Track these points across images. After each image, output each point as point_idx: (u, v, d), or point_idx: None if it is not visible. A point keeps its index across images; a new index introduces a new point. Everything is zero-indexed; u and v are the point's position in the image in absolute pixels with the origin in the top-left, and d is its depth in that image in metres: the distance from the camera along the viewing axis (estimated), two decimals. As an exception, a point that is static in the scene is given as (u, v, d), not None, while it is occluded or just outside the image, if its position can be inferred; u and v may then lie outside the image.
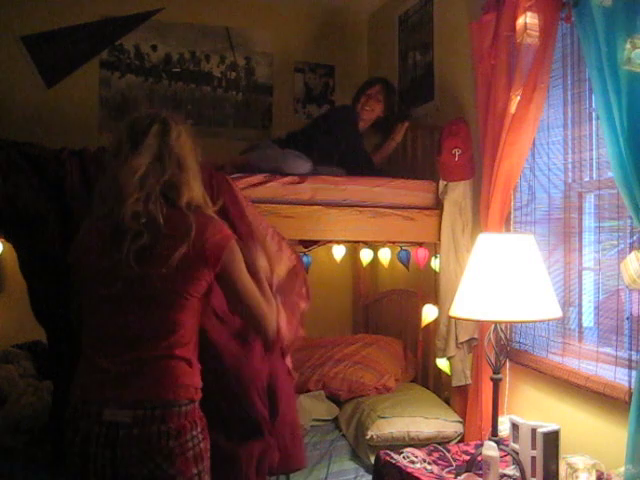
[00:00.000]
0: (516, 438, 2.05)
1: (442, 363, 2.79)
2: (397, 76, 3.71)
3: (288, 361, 2.15)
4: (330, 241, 3.55)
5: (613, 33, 1.80)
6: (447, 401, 2.88)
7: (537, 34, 2.27)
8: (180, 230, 1.56)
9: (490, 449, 1.95)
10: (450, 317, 2.30)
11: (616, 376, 2.04)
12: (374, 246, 3.63)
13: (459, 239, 2.72)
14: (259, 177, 2.60)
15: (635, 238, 1.96)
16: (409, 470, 2.02)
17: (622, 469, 1.80)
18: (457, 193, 2.73)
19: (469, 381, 2.67)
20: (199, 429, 1.60)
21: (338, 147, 3.10)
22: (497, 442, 2.01)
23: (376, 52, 4.05)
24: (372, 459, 2.40)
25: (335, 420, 2.93)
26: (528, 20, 2.30)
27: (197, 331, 1.67)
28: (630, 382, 1.93)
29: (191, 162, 1.66)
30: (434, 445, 2.33)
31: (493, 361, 2.13)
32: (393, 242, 3.33)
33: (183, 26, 3.75)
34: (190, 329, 1.63)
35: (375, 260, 3.65)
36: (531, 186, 2.53)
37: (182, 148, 1.65)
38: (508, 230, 2.57)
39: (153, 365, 1.57)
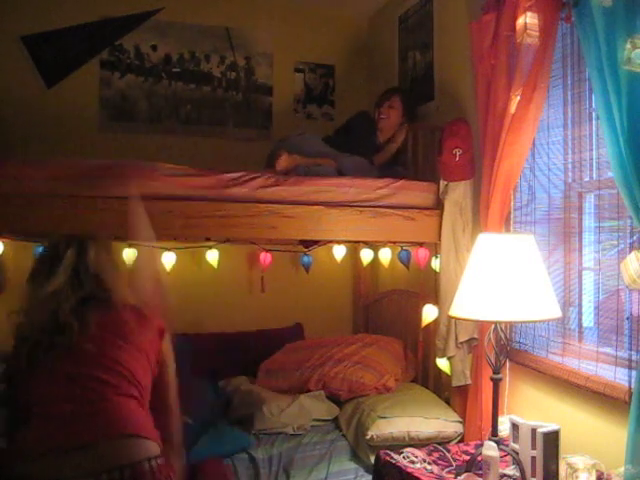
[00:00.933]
0: (516, 438, 2.05)
1: (442, 363, 2.79)
2: (397, 76, 3.71)
3: None
4: (331, 241, 3.56)
5: (613, 33, 1.80)
6: (447, 401, 2.88)
7: (537, 34, 2.27)
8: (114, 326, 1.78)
9: (490, 449, 1.95)
10: (450, 317, 2.30)
11: (616, 376, 2.04)
12: (374, 246, 3.63)
13: (459, 239, 2.73)
14: (261, 179, 2.60)
15: (635, 238, 1.96)
16: (409, 470, 2.02)
17: (622, 469, 1.80)
18: (457, 193, 2.73)
19: (469, 381, 2.67)
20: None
21: (354, 152, 3.15)
22: (497, 442, 2.01)
23: (376, 52, 4.05)
24: (372, 459, 2.40)
25: (335, 420, 2.93)
26: (528, 20, 2.30)
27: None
28: (630, 382, 1.93)
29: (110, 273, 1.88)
30: (434, 445, 2.33)
31: (493, 361, 2.13)
32: (393, 242, 3.33)
33: (183, 26, 3.75)
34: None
35: (375, 260, 3.65)
36: (531, 186, 2.53)
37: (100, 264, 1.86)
38: (508, 230, 2.57)
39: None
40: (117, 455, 1.50)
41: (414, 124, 3.31)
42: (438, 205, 2.84)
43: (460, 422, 2.70)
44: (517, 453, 2.03)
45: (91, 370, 1.68)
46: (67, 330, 1.71)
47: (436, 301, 2.85)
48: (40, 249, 2.56)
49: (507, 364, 2.48)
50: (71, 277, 1.80)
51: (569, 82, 2.33)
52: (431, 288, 2.97)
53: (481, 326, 2.54)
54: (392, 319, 3.58)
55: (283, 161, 2.87)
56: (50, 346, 1.69)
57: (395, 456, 2.13)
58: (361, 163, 3.11)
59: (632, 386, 1.88)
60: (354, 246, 3.79)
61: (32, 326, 1.73)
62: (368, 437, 2.59)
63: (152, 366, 1.80)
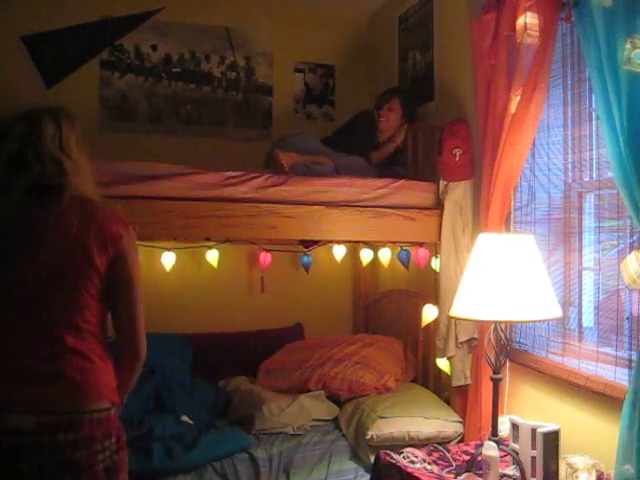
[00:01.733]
0: (516, 438, 2.05)
1: (442, 363, 2.79)
2: (397, 76, 3.71)
3: None
4: (331, 241, 3.56)
5: (613, 33, 1.80)
6: (447, 401, 2.88)
7: (537, 34, 2.27)
8: (65, 222, 1.54)
9: (490, 449, 1.95)
10: (450, 317, 2.30)
11: (616, 376, 2.04)
12: (374, 246, 3.63)
13: (459, 239, 2.73)
14: (262, 179, 2.60)
15: (635, 238, 1.96)
16: (409, 470, 2.02)
17: (622, 468, 1.80)
18: (457, 193, 2.73)
19: (469, 381, 2.67)
20: (113, 439, 1.50)
21: (353, 149, 3.16)
22: (497, 442, 2.01)
23: (376, 52, 4.05)
24: (372, 459, 2.40)
25: (335, 420, 2.93)
26: (528, 20, 2.30)
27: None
28: (630, 382, 1.93)
29: (73, 159, 1.60)
30: (434, 445, 2.33)
31: (493, 361, 2.13)
32: (393, 242, 3.33)
33: (183, 26, 3.75)
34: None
35: (375, 260, 3.65)
36: (531, 186, 2.53)
37: (58, 146, 1.58)
38: (508, 230, 2.57)
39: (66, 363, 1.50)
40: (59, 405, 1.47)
41: (414, 124, 3.31)
42: (438, 205, 2.84)
43: (460, 422, 2.70)
44: (517, 453, 2.03)
45: (35, 310, 1.51)
46: (10, 234, 1.52)
47: (436, 301, 2.85)
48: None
49: (507, 364, 2.48)
50: (14, 160, 1.52)
51: (569, 82, 2.33)
52: (431, 288, 2.97)
53: (481, 326, 2.54)
54: (392, 319, 3.58)
55: (284, 159, 2.86)
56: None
57: (395, 456, 2.13)
58: (358, 163, 3.11)
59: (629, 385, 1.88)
60: (354, 246, 3.80)
61: None
62: (368, 437, 2.59)
63: (102, 273, 1.56)
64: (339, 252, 3.72)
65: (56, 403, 1.46)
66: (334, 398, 3.03)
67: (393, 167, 3.23)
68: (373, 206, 2.75)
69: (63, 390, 1.48)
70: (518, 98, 2.33)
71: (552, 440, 1.96)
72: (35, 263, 1.52)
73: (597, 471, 1.89)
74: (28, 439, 1.41)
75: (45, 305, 1.52)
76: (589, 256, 2.27)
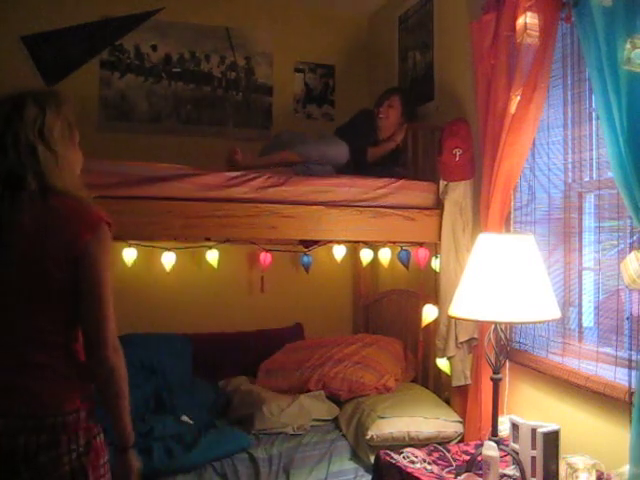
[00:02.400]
0: (516, 438, 2.05)
1: (442, 363, 2.79)
2: (397, 76, 3.71)
3: None
4: (331, 241, 3.57)
5: (613, 33, 1.80)
6: (447, 401, 2.88)
7: (537, 34, 2.27)
8: (34, 220, 1.43)
9: (490, 449, 1.95)
10: (450, 317, 2.30)
11: (616, 376, 2.04)
12: (374, 246, 3.63)
13: (459, 239, 2.73)
14: (262, 179, 2.60)
15: (635, 238, 1.96)
16: (409, 470, 2.02)
17: (622, 469, 1.80)
18: (457, 193, 2.73)
19: (469, 381, 2.67)
20: (81, 441, 1.45)
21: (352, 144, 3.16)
22: (497, 442, 2.01)
23: (376, 52, 4.05)
24: (372, 459, 2.40)
25: (335, 420, 2.93)
26: (528, 20, 2.30)
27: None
28: (630, 382, 1.93)
29: (52, 148, 1.48)
30: (434, 445, 2.33)
31: (493, 361, 2.13)
32: (393, 242, 3.33)
33: (183, 26, 3.75)
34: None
35: (375, 260, 3.65)
36: (531, 186, 2.53)
37: (37, 133, 1.47)
38: (508, 230, 2.57)
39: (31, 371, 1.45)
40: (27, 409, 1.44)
41: (414, 124, 3.31)
42: (438, 205, 2.84)
43: (460, 422, 2.70)
44: (517, 453, 2.03)
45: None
46: None
47: (436, 301, 2.85)
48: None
49: (507, 364, 2.48)
50: None
51: (569, 82, 2.33)
52: (431, 288, 2.97)
53: (481, 326, 2.54)
54: (392, 319, 3.58)
55: (234, 155, 2.82)
56: None
57: (395, 456, 2.13)
58: (337, 153, 3.04)
59: (632, 386, 1.88)
60: (354, 246, 3.80)
61: None
62: (368, 437, 2.59)
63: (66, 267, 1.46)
64: (339, 252, 3.72)
65: (19, 409, 1.43)
66: (334, 398, 3.03)
67: (394, 168, 3.22)
68: (373, 206, 2.75)
69: (24, 400, 1.44)
70: (518, 98, 2.33)
71: (552, 440, 1.96)
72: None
73: (597, 471, 1.89)
74: None
75: (6, 314, 1.47)
76: (589, 256, 2.27)
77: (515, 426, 2.07)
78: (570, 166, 2.34)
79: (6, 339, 1.47)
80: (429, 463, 2.13)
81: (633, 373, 1.91)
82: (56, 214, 1.46)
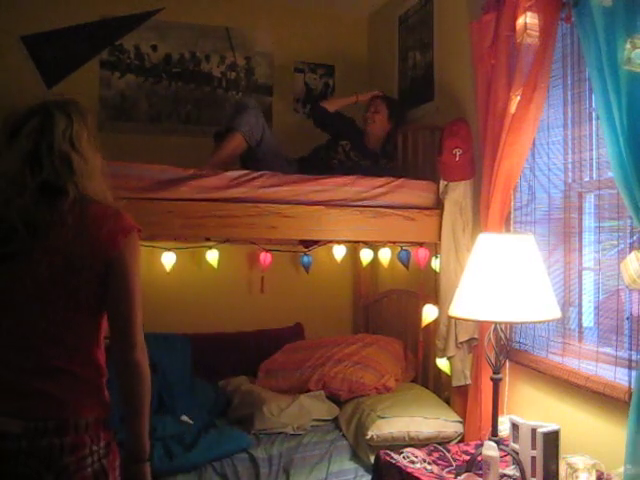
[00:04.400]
0: (516, 438, 2.05)
1: (442, 363, 2.79)
2: (397, 76, 3.71)
3: None
4: (331, 241, 3.56)
5: (613, 33, 1.80)
6: (447, 401, 2.88)
7: (537, 34, 2.27)
8: (73, 225, 1.46)
9: (490, 449, 1.95)
10: (450, 317, 2.30)
11: (616, 376, 2.04)
12: (374, 246, 3.63)
13: (459, 239, 2.73)
14: (262, 179, 2.60)
15: (635, 238, 1.96)
16: (409, 470, 2.02)
17: (622, 469, 1.80)
18: (458, 193, 2.73)
19: (469, 381, 2.67)
20: (102, 444, 1.46)
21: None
22: (497, 442, 2.01)
23: (376, 52, 4.05)
24: (372, 459, 2.40)
25: (335, 420, 2.93)
26: (528, 20, 2.30)
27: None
28: (630, 382, 1.93)
29: (83, 156, 1.52)
30: (434, 445, 2.33)
31: (493, 361, 2.13)
32: (393, 242, 3.33)
33: (183, 26, 3.75)
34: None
35: (375, 260, 3.65)
36: (531, 186, 2.53)
37: (69, 141, 1.50)
38: (508, 230, 2.57)
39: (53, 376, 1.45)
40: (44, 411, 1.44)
41: (414, 125, 3.32)
42: (438, 205, 2.84)
43: (460, 422, 2.70)
44: (517, 453, 2.03)
45: (32, 324, 1.45)
46: (16, 238, 1.43)
47: (436, 301, 2.85)
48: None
49: (507, 364, 2.48)
50: (29, 157, 1.46)
51: (569, 82, 2.33)
52: (431, 288, 2.97)
53: (481, 326, 2.54)
54: (392, 319, 3.58)
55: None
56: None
57: (395, 456, 2.13)
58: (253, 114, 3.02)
59: (632, 386, 1.88)
60: (354, 246, 3.80)
61: None
62: (368, 437, 2.59)
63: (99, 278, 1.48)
64: (339, 252, 3.72)
65: (37, 411, 1.43)
66: (334, 398, 3.03)
67: (382, 161, 3.27)
68: (373, 206, 2.75)
69: (44, 402, 1.44)
70: (518, 98, 2.33)
71: (552, 440, 1.96)
72: (28, 273, 1.46)
73: (597, 471, 1.89)
74: (15, 443, 1.39)
75: (32, 318, 1.47)
76: (589, 256, 2.27)
77: (515, 426, 2.07)
78: (570, 166, 2.34)
79: (26, 341, 1.47)
80: (429, 463, 2.13)
81: (633, 373, 1.91)
82: (91, 220, 1.49)
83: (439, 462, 2.18)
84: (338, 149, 3.31)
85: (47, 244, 1.46)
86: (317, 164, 3.17)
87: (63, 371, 1.46)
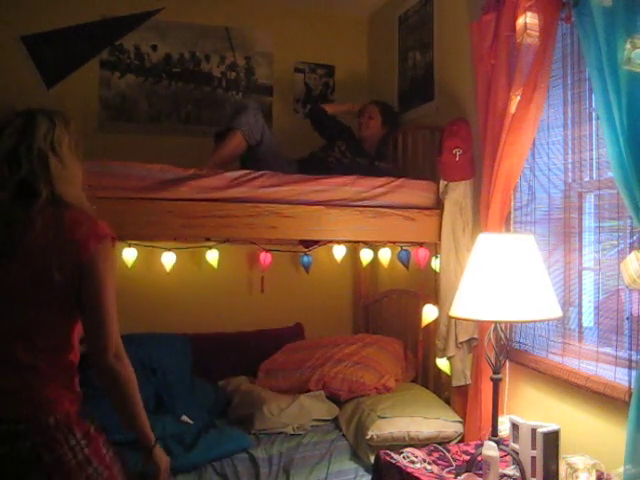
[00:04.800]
0: (516, 438, 2.05)
1: (442, 363, 2.79)
2: (397, 76, 3.71)
3: None
4: (330, 241, 3.56)
5: (613, 33, 1.80)
6: (447, 401, 2.88)
7: (537, 34, 2.27)
8: (44, 227, 1.49)
9: (490, 449, 1.95)
10: (450, 317, 2.30)
11: (616, 376, 2.04)
12: (374, 246, 3.63)
13: (459, 239, 2.73)
14: (262, 179, 2.60)
15: (635, 238, 1.96)
16: (409, 470, 2.02)
17: (622, 469, 1.80)
18: (458, 193, 2.73)
19: (469, 381, 2.67)
20: (79, 436, 1.49)
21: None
22: (497, 442, 2.01)
23: (376, 52, 4.05)
24: (372, 459, 2.40)
25: (335, 420, 2.93)
26: (528, 20, 2.30)
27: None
28: (630, 382, 1.93)
29: (62, 161, 1.56)
30: (434, 445, 2.32)
31: (493, 361, 2.13)
32: (393, 242, 3.33)
33: (183, 26, 3.75)
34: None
35: (375, 260, 3.65)
36: (531, 186, 2.53)
37: (49, 144, 1.55)
38: (508, 230, 2.57)
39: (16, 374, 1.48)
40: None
41: (408, 126, 3.33)
42: (438, 205, 2.84)
43: (460, 422, 2.70)
44: (517, 453, 2.03)
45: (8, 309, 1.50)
46: None
47: (436, 301, 2.85)
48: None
49: (507, 364, 2.48)
50: (8, 157, 1.50)
51: (569, 82, 2.33)
52: (431, 288, 2.97)
53: (481, 326, 2.54)
54: (392, 319, 3.58)
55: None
56: None
57: (395, 456, 2.13)
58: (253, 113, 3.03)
59: (632, 386, 1.88)
60: (354, 246, 3.80)
61: None
62: (368, 437, 2.59)
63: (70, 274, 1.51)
64: (339, 252, 3.72)
65: (8, 412, 1.46)
66: (334, 398, 3.03)
67: (376, 162, 3.28)
68: (373, 206, 2.75)
69: (12, 404, 1.47)
70: (518, 98, 2.33)
71: (552, 440, 1.96)
72: (2, 270, 1.49)
73: (597, 471, 1.89)
74: None
75: (3, 316, 1.50)
76: (589, 256, 2.27)
77: (515, 426, 2.07)
78: (570, 166, 2.34)
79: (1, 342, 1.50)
80: (429, 463, 2.13)
81: (633, 373, 1.91)
82: (65, 223, 1.51)
83: (439, 462, 2.18)
84: (334, 148, 3.33)
85: (22, 244, 1.49)
86: (315, 164, 3.17)
87: (27, 367, 1.48)
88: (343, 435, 2.80)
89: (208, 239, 3.30)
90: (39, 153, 1.52)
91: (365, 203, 2.74)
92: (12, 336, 1.49)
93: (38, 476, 1.43)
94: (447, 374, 2.80)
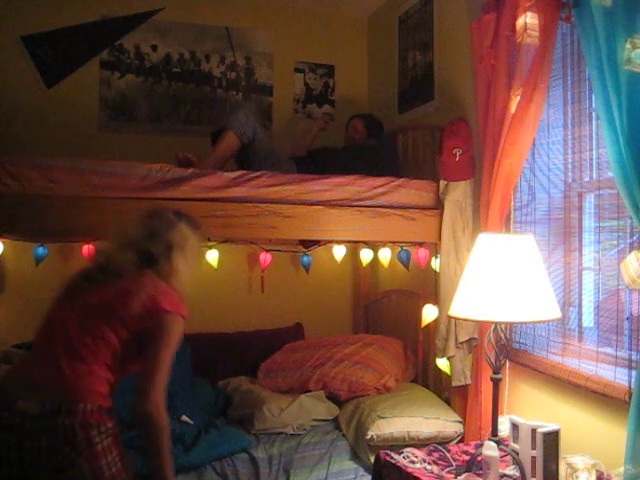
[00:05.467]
0: (516, 438, 2.05)
1: (442, 363, 2.79)
2: (397, 76, 3.71)
3: None
4: (330, 241, 3.56)
5: (613, 33, 1.80)
6: (447, 401, 2.88)
7: (537, 34, 2.27)
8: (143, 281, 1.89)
9: (490, 449, 1.96)
10: (450, 317, 2.30)
11: (616, 376, 2.04)
12: (374, 246, 3.63)
13: (459, 239, 2.73)
14: (262, 179, 2.60)
15: (635, 238, 1.96)
16: (409, 470, 2.02)
17: (622, 469, 1.80)
18: (458, 193, 2.73)
19: (469, 381, 2.67)
20: (109, 425, 1.75)
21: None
22: (497, 442, 2.01)
23: (376, 52, 4.05)
24: (372, 459, 2.40)
25: (335, 420, 2.93)
26: (528, 20, 2.30)
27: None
28: (630, 382, 1.93)
29: (180, 256, 1.98)
30: (434, 445, 2.32)
31: (493, 361, 2.13)
32: (393, 242, 3.33)
33: (183, 26, 3.75)
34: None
35: (375, 260, 3.65)
36: (531, 186, 2.53)
37: (177, 240, 1.97)
38: (508, 230, 2.57)
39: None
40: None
41: (414, 123, 3.33)
42: (438, 205, 2.84)
43: (460, 422, 2.70)
44: (517, 453, 2.03)
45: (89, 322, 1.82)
46: (112, 274, 1.88)
47: (436, 301, 2.85)
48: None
49: (507, 364, 2.48)
50: (149, 234, 1.95)
51: (569, 82, 2.33)
52: (431, 288, 2.97)
53: (481, 326, 2.54)
54: (392, 319, 3.58)
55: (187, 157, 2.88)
56: (90, 280, 1.89)
57: (395, 456, 2.13)
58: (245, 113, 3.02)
59: (632, 386, 1.88)
60: (354, 246, 3.80)
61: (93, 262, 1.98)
62: (368, 437, 2.59)
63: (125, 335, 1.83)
64: (339, 252, 3.72)
65: (55, 396, 1.72)
66: (334, 398, 3.03)
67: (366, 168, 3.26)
68: (373, 206, 2.75)
69: (62, 388, 1.74)
70: (518, 98, 2.33)
71: (552, 440, 1.96)
72: (94, 297, 1.85)
73: (597, 471, 1.89)
74: (32, 421, 1.67)
75: (77, 330, 1.81)
76: (589, 256, 2.27)
77: (515, 426, 2.06)
78: (570, 166, 2.34)
79: (67, 343, 1.79)
80: (429, 463, 2.13)
81: (633, 373, 1.91)
82: (158, 287, 1.90)
83: (439, 462, 2.18)
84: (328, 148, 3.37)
85: (121, 280, 1.87)
86: (314, 159, 3.18)
87: (77, 363, 1.77)
88: (343, 435, 2.80)
89: (208, 239, 3.30)
90: (168, 242, 1.95)
91: (365, 203, 2.74)
92: (72, 360, 1.77)
93: (70, 451, 1.67)
94: (447, 374, 2.80)
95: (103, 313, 1.82)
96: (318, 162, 3.14)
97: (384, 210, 2.76)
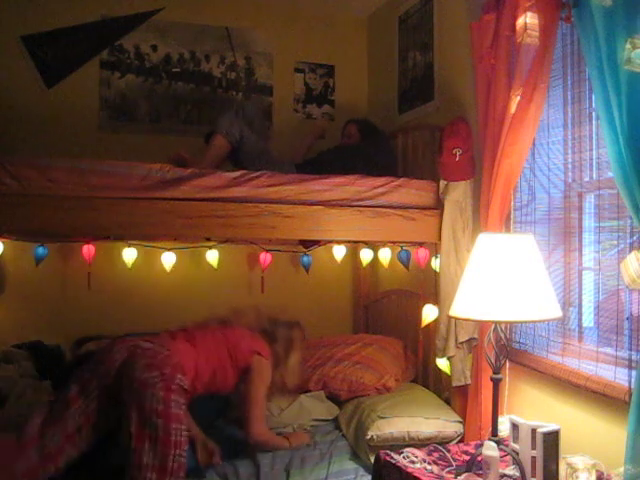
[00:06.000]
0: (516, 438, 2.05)
1: (442, 363, 2.79)
2: (397, 76, 3.71)
3: None
4: (330, 241, 3.56)
5: (613, 33, 1.80)
6: (447, 401, 2.88)
7: (537, 34, 2.27)
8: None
9: (490, 449, 1.95)
10: (450, 317, 2.30)
11: (616, 376, 2.04)
12: (374, 246, 3.63)
13: (459, 239, 2.73)
14: (262, 179, 2.60)
15: (635, 238, 1.96)
16: (409, 470, 2.02)
17: (622, 469, 1.80)
18: (458, 193, 2.73)
19: (469, 381, 2.67)
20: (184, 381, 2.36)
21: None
22: (497, 442, 2.01)
23: (376, 52, 4.05)
24: (372, 459, 2.40)
25: (335, 420, 2.93)
26: (528, 20, 2.30)
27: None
28: (630, 382, 1.93)
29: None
30: (434, 445, 2.32)
31: (493, 361, 2.13)
32: (393, 242, 3.33)
33: (183, 26, 3.75)
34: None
35: (375, 260, 3.65)
36: (531, 186, 2.53)
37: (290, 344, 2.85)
38: (508, 230, 2.57)
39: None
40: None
41: (414, 123, 3.32)
42: (438, 205, 2.84)
43: (460, 422, 2.70)
44: (517, 453, 2.03)
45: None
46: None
47: (436, 301, 2.85)
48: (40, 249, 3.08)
49: (507, 364, 2.48)
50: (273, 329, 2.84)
51: (569, 82, 2.33)
52: (431, 288, 2.97)
53: (481, 326, 2.54)
54: (392, 319, 3.58)
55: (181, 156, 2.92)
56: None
57: (395, 456, 2.13)
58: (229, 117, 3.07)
59: (632, 386, 1.88)
60: (354, 246, 3.80)
61: None
62: (368, 437, 2.59)
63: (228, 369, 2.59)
64: (339, 252, 3.72)
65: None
66: (334, 398, 3.03)
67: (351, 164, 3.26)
68: (373, 206, 2.75)
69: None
70: (518, 98, 2.33)
71: (552, 440, 1.96)
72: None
73: (597, 471, 1.89)
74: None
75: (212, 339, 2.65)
76: (589, 256, 2.27)
77: (515, 426, 2.06)
78: (570, 166, 2.34)
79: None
80: (429, 463, 2.12)
81: (633, 373, 1.91)
82: (260, 341, 2.74)
83: (439, 462, 2.18)
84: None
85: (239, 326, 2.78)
86: (312, 164, 3.18)
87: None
88: (343, 435, 2.80)
89: (208, 239, 3.30)
90: (287, 339, 2.87)
91: (365, 203, 2.74)
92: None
93: (159, 372, 2.31)
94: (447, 374, 2.80)
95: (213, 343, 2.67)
96: (315, 163, 3.15)
97: (384, 210, 2.76)
